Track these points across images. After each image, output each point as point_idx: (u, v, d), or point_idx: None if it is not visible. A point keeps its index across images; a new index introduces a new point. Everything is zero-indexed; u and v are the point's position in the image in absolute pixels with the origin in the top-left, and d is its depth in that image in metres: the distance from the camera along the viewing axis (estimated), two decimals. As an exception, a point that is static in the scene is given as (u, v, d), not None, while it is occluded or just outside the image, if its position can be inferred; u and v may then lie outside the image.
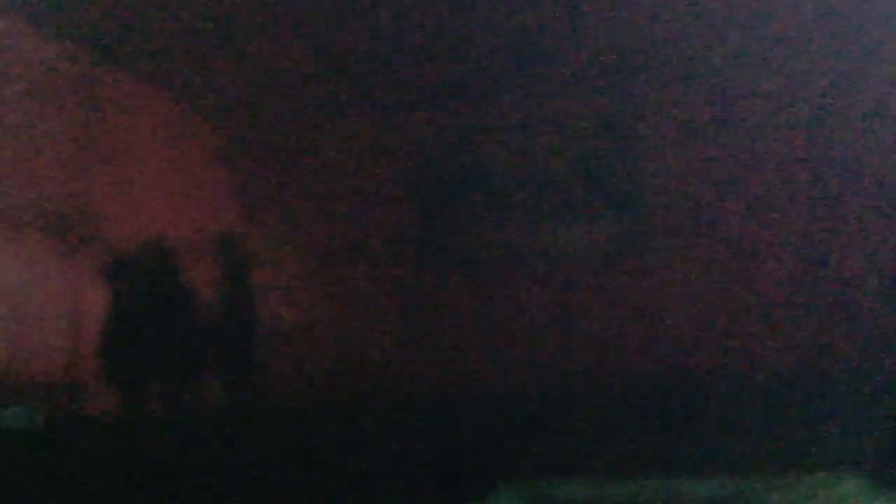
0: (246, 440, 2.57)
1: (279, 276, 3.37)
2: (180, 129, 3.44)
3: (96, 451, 2.53)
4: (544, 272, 3.28)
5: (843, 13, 2.98)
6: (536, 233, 3.33)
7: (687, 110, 3.23)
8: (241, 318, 3.28)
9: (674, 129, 3.24)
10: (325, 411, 2.79)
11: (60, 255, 3.18)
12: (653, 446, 2.42)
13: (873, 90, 3.00)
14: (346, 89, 3.39)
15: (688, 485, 2.17)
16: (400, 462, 2.35)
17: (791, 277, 3.08)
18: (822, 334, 3.00)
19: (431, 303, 3.34)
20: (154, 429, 2.86)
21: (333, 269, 3.40)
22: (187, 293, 3.22)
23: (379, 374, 3.22)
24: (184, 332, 3.18)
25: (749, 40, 3.08)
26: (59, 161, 3.21)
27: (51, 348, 3.11)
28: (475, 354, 3.22)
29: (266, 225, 3.44)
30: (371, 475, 2.32)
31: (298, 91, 3.43)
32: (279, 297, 3.35)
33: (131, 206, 3.31)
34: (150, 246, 3.23)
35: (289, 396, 3.13)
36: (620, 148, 3.30)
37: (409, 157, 3.43)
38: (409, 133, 3.42)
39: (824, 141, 3.10)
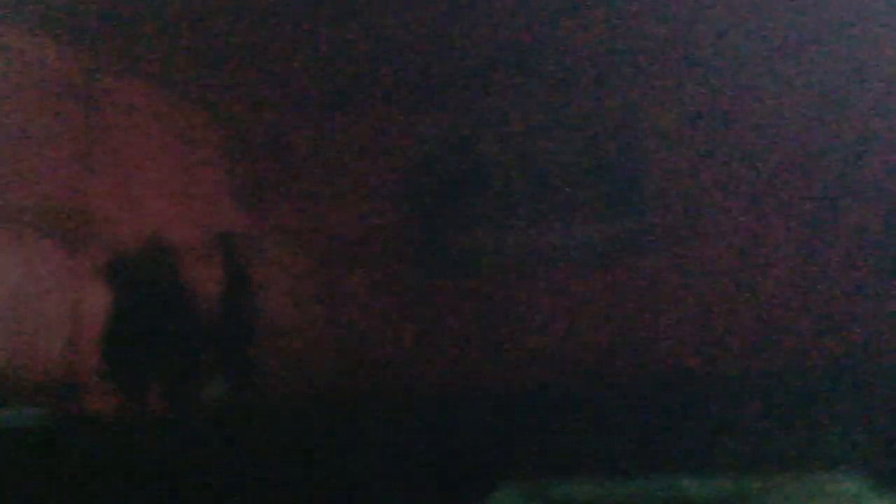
0: (246, 440, 2.58)
1: (279, 275, 3.37)
2: (180, 130, 3.44)
3: (96, 451, 2.54)
4: (544, 272, 3.28)
5: (844, 13, 2.99)
6: (536, 233, 3.33)
7: (686, 110, 3.23)
8: (240, 318, 3.28)
9: (674, 129, 3.24)
10: (325, 411, 2.80)
11: (62, 255, 3.18)
12: (653, 446, 2.43)
13: (873, 90, 3.01)
14: (346, 89, 3.39)
15: (688, 485, 2.17)
16: (400, 462, 2.36)
17: (791, 277, 3.08)
18: (822, 334, 3.00)
19: (431, 303, 3.34)
20: (155, 428, 2.86)
21: (333, 269, 3.40)
22: (188, 293, 3.22)
23: (379, 374, 3.22)
24: (184, 333, 3.18)
25: (749, 40, 3.09)
26: (59, 161, 3.21)
27: (52, 348, 3.11)
28: (475, 354, 3.22)
29: (266, 225, 3.44)
30: (371, 475, 2.33)
31: (298, 91, 3.44)
32: (279, 296, 3.35)
33: (131, 206, 3.31)
34: (149, 246, 3.23)
35: (289, 396, 3.13)
36: (620, 148, 3.30)
37: (408, 158, 3.43)
38: (409, 133, 3.41)
39: (824, 141, 3.10)
